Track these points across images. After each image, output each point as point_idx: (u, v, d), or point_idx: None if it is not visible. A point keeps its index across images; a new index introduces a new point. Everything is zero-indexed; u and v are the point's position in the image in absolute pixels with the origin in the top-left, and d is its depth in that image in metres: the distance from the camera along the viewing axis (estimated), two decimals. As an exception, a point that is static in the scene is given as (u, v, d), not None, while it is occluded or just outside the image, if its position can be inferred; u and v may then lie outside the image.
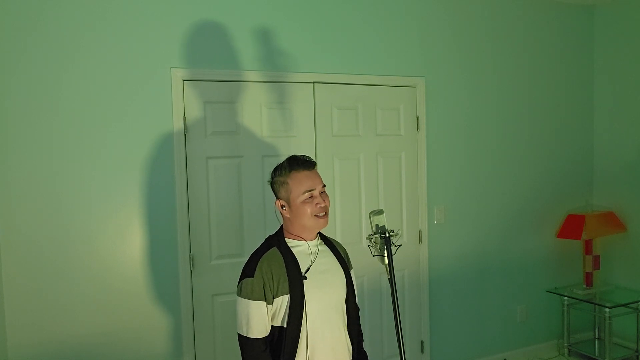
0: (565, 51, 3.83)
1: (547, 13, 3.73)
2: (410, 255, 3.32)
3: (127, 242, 2.63)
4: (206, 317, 2.79)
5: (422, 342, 3.38)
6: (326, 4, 3.02)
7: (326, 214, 1.66)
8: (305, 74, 2.96)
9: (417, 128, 3.31)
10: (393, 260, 1.59)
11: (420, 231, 3.35)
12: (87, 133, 2.55)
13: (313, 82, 2.99)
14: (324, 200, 1.65)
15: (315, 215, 1.63)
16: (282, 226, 1.74)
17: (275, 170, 1.71)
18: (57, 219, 2.50)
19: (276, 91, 2.91)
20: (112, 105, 2.59)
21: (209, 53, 2.75)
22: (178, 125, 2.70)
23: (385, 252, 1.60)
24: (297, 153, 2.94)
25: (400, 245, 1.81)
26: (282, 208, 1.67)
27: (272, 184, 1.71)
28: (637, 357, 3.56)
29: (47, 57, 2.47)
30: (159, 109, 2.67)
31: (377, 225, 1.63)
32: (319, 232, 1.78)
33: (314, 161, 1.70)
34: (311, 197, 1.63)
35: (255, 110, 2.87)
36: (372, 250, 1.65)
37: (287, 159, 1.69)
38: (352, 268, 1.84)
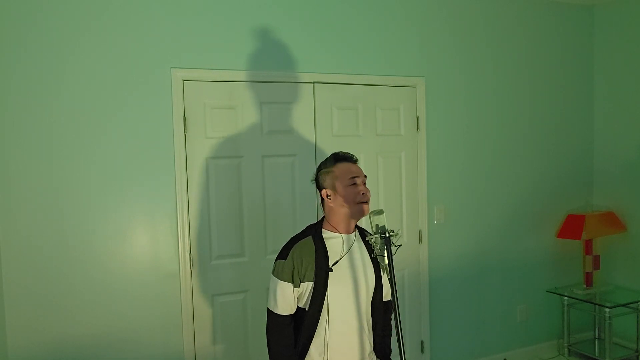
0: (565, 51, 3.83)
1: (547, 13, 3.73)
2: (410, 255, 3.32)
3: (127, 242, 2.63)
4: (206, 318, 2.79)
5: (422, 342, 3.38)
6: (326, 4, 3.02)
7: (368, 202, 1.77)
8: (305, 74, 2.96)
9: (417, 128, 3.31)
10: (393, 260, 1.60)
11: (420, 231, 3.35)
12: (86, 133, 2.55)
13: (313, 82, 2.99)
14: (366, 189, 1.77)
15: (359, 202, 1.74)
16: (323, 217, 1.85)
17: (321, 164, 1.84)
18: (57, 219, 2.50)
19: (276, 91, 2.91)
20: (112, 105, 2.59)
21: (209, 53, 2.75)
22: (178, 125, 2.70)
23: (385, 252, 1.60)
24: (297, 153, 2.98)
25: (400, 245, 1.82)
26: (327, 197, 1.78)
27: (318, 177, 1.83)
28: (637, 357, 3.56)
29: (46, 57, 2.47)
30: (159, 109, 2.67)
31: (377, 225, 1.64)
32: (358, 227, 1.88)
33: (356, 158, 1.85)
34: (354, 184, 1.75)
35: (255, 110, 2.87)
36: (372, 250, 1.67)
37: (331, 154, 1.83)
38: None
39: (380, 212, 1.65)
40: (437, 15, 3.35)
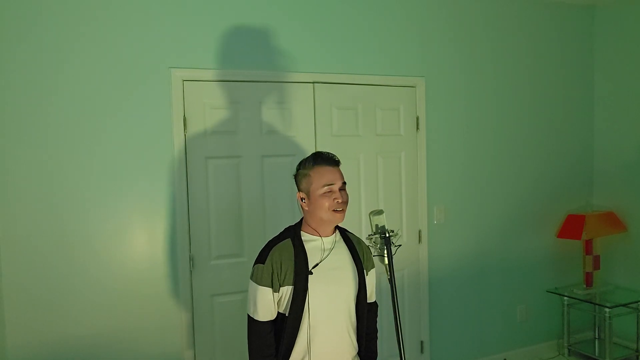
0: (565, 51, 3.83)
1: (547, 13, 3.73)
2: (410, 255, 3.32)
3: (127, 243, 2.63)
4: (206, 318, 2.79)
5: (422, 342, 3.38)
6: (326, 4, 3.02)
7: (343, 210, 1.70)
8: (305, 74, 2.96)
9: (417, 128, 3.31)
10: (393, 260, 1.60)
11: (420, 231, 3.35)
12: (86, 133, 2.54)
13: (313, 82, 2.99)
14: (341, 196, 1.69)
15: (332, 209, 1.68)
16: (302, 218, 1.79)
17: (300, 163, 1.77)
18: (56, 219, 2.50)
19: (276, 91, 2.91)
20: (112, 105, 2.58)
21: (209, 53, 2.75)
22: (178, 125, 2.70)
23: (385, 252, 1.60)
24: (297, 153, 2.97)
25: (400, 245, 1.81)
26: (302, 200, 1.73)
27: (296, 176, 1.77)
28: (637, 357, 3.56)
29: (46, 57, 2.47)
30: (158, 109, 2.67)
31: (377, 225, 1.64)
32: (340, 228, 1.83)
33: (338, 159, 1.76)
34: (330, 191, 1.68)
35: (255, 110, 2.87)
36: (372, 250, 1.66)
37: (312, 153, 1.76)
38: (373, 267, 1.87)
39: (380, 212, 1.65)
40: (437, 15, 3.35)
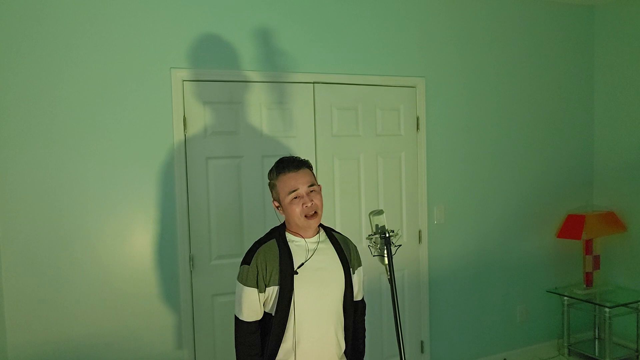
0: (565, 51, 3.83)
1: (547, 13, 3.73)
2: (410, 255, 3.32)
3: (127, 242, 2.63)
4: (206, 318, 2.79)
5: (422, 342, 3.38)
6: (326, 4, 3.02)
7: (316, 213, 1.69)
8: (305, 74, 2.96)
9: (417, 128, 3.31)
10: (393, 260, 1.60)
11: (420, 231, 3.35)
12: (86, 133, 2.55)
13: (313, 82, 2.99)
14: (311, 200, 1.67)
15: (304, 215, 1.67)
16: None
17: (268, 173, 1.78)
18: (57, 218, 2.50)
19: (276, 91, 2.91)
20: (112, 105, 2.59)
21: (209, 53, 2.75)
22: (178, 125, 2.70)
23: (385, 252, 1.60)
24: (297, 153, 2.96)
25: (400, 245, 1.82)
26: (278, 208, 1.75)
27: (269, 186, 1.79)
28: (637, 357, 3.57)
29: (47, 56, 2.47)
30: (158, 109, 2.67)
31: (377, 225, 1.64)
32: (325, 227, 1.83)
33: (302, 161, 1.73)
34: (297, 197, 1.67)
35: (255, 111, 2.87)
36: (372, 250, 1.67)
37: (276, 161, 1.76)
38: (360, 265, 1.87)
39: (380, 212, 1.65)
40: (437, 15, 3.35)
